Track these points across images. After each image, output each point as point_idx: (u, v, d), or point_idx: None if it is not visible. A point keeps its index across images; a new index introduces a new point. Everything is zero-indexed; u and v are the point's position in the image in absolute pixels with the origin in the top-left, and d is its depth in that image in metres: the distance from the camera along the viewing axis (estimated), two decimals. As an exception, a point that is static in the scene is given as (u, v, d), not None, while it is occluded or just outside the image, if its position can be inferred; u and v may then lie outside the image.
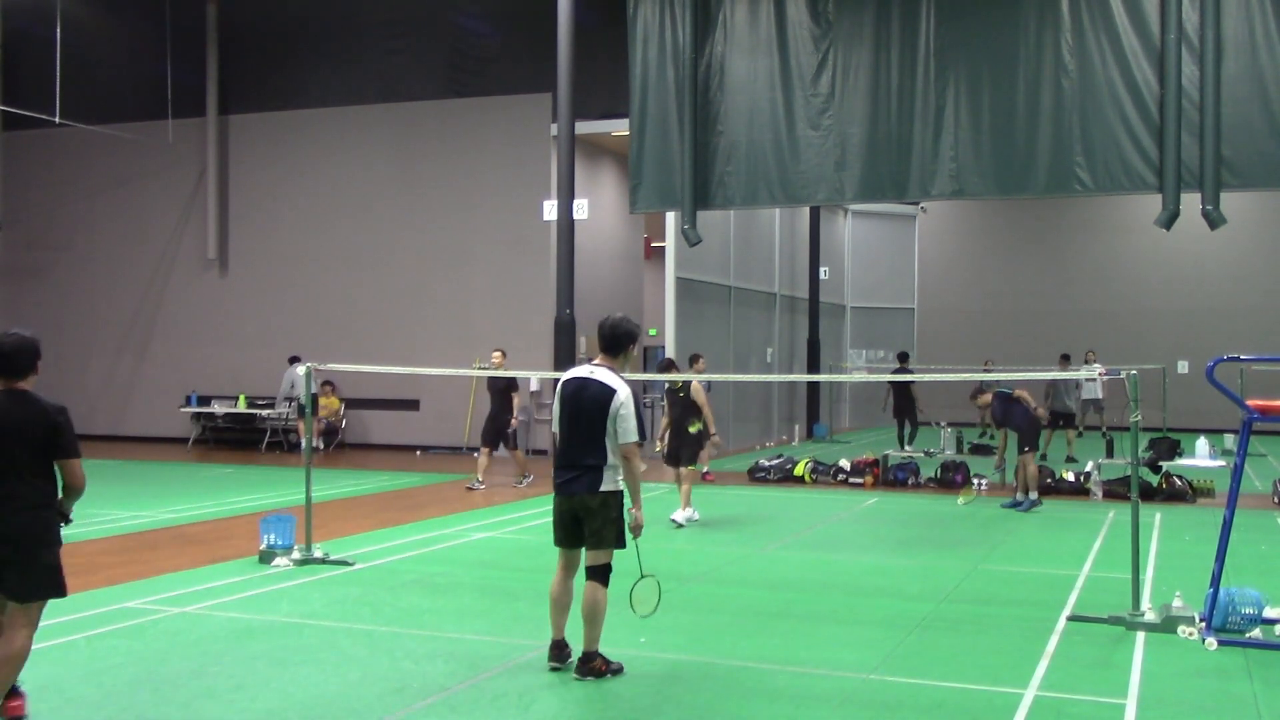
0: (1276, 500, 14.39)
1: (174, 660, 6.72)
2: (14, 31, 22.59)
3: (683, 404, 12.67)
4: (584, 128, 19.34)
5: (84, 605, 8.07)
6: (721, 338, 22.06)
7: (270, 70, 23.21)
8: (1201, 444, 15.79)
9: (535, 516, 12.53)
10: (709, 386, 13.28)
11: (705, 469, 15.27)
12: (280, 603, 8.31)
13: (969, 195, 16.65)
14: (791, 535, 12.00)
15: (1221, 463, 15.49)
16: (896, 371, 21.54)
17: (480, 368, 15.43)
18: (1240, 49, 14.63)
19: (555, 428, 6.62)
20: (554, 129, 18.47)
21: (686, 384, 12.68)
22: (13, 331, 5.38)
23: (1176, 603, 7.61)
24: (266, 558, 9.73)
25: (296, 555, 9.71)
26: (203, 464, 19.47)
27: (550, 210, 18.27)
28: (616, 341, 6.60)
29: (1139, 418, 7.99)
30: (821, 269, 26.69)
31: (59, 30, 20.52)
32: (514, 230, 21.14)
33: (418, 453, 21.13)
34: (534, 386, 20.78)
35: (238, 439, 22.50)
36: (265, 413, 21.85)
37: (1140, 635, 7.43)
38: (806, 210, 25.66)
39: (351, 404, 22.20)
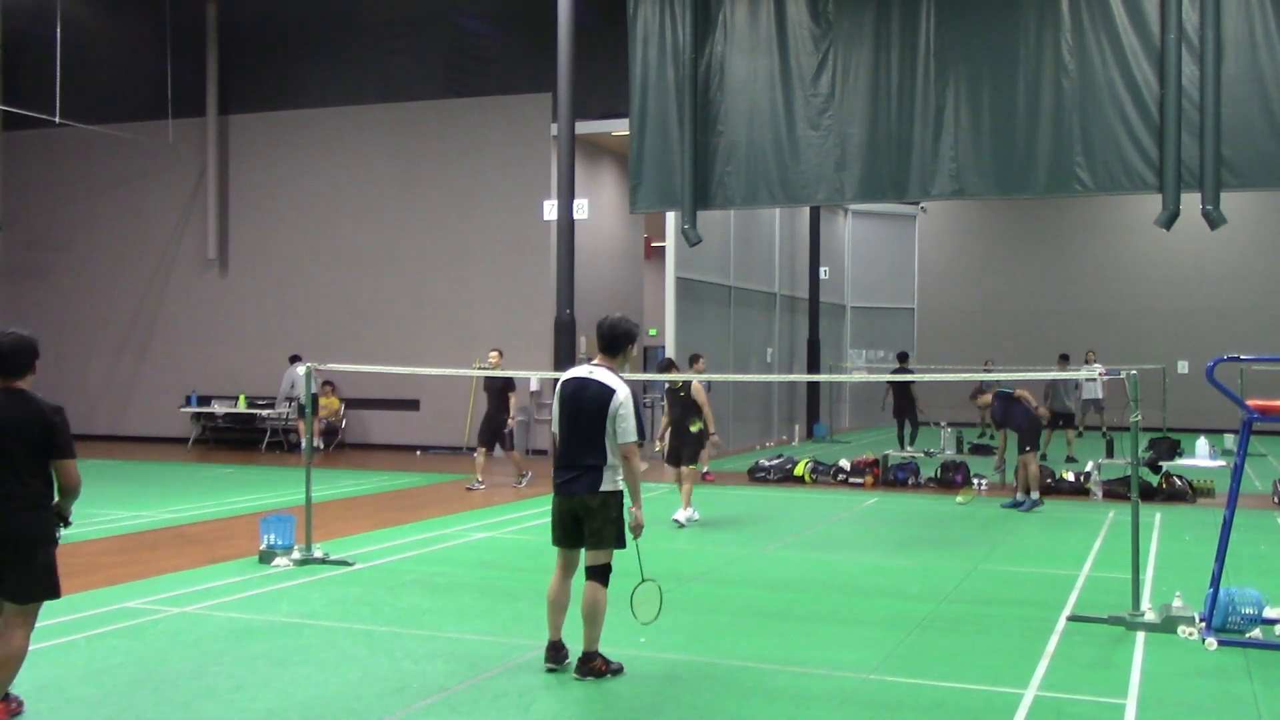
0: (1276, 500, 14.39)
1: (174, 660, 6.72)
2: (14, 31, 22.59)
3: (683, 403, 12.67)
4: (584, 128, 19.34)
5: (84, 605, 8.08)
6: (721, 338, 22.07)
7: (270, 70, 23.21)
8: (1201, 444, 15.79)
9: (535, 516, 12.53)
10: (709, 386, 13.28)
11: (705, 469, 15.27)
12: (280, 603, 8.31)
13: (969, 195, 16.66)
14: (791, 535, 12.00)
15: (1221, 463, 15.49)
16: (896, 371, 21.55)
17: (480, 368, 15.42)
18: (1240, 49, 14.63)
19: (555, 428, 6.61)
20: (554, 129, 18.47)
21: (687, 384, 12.69)
22: (10, 331, 5.36)
23: (1176, 603, 7.61)
24: (266, 558, 9.73)
25: (296, 555, 9.71)
26: (203, 464, 19.47)
27: (550, 210, 18.27)
28: (615, 341, 6.59)
29: (1139, 418, 7.99)
30: (821, 269, 26.70)
31: (59, 30, 20.52)
32: (514, 230, 21.14)
33: (418, 453, 21.13)
34: (534, 386, 20.78)
35: (238, 439, 22.50)
36: (265, 413, 21.85)
37: (1140, 635, 7.43)
38: (806, 210, 25.66)
39: (351, 404, 22.20)
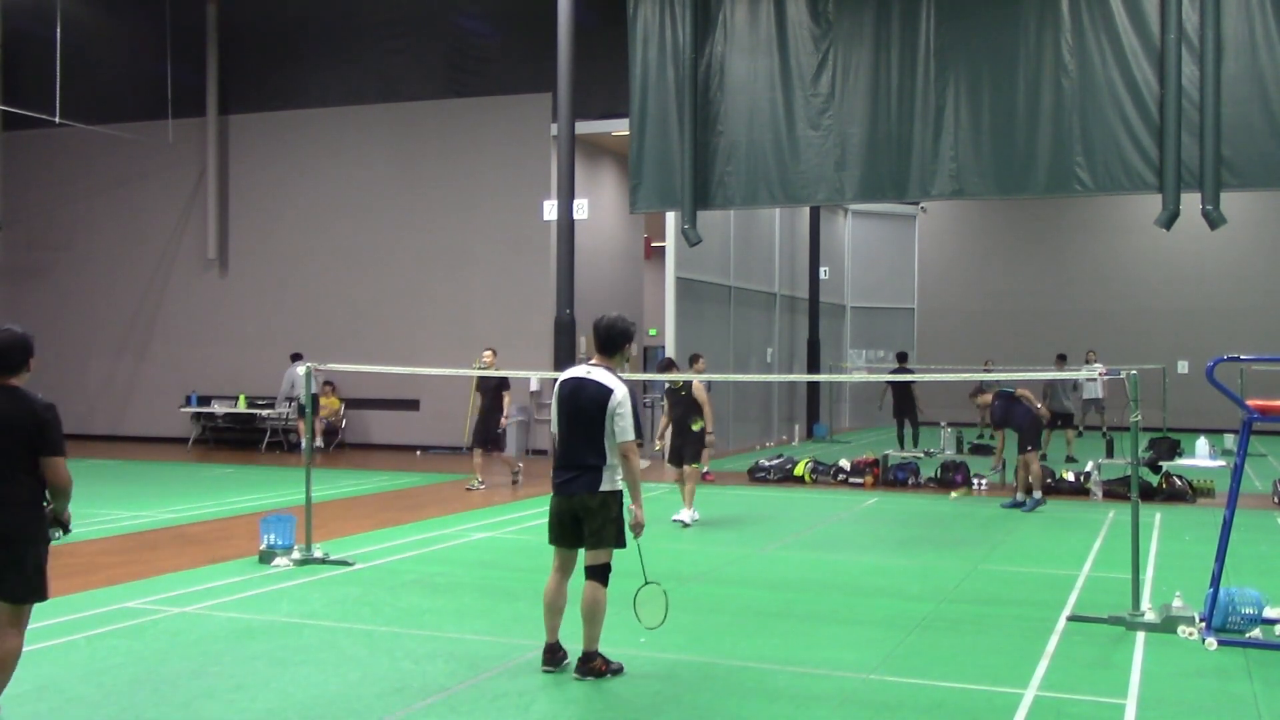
0: (1276, 500, 14.39)
1: (174, 660, 6.71)
2: (14, 31, 22.59)
3: (685, 403, 12.67)
4: (584, 128, 19.35)
5: (84, 605, 8.08)
6: (721, 338, 22.07)
7: (270, 70, 23.21)
8: (1201, 444, 15.79)
9: (534, 516, 12.52)
10: (709, 386, 13.29)
11: (706, 469, 15.27)
12: (280, 603, 8.31)
13: (969, 195, 16.66)
14: (791, 535, 12.00)
15: (1221, 463, 15.49)
16: (895, 371, 21.56)
17: (479, 367, 15.42)
18: (1240, 49, 14.63)
19: (554, 428, 6.61)
20: (554, 129, 18.48)
21: (688, 383, 12.69)
22: (6, 328, 5.32)
23: (1176, 603, 7.61)
24: (266, 558, 9.73)
25: (296, 555, 9.71)
26: (203, 464, 19.47)
27: (550, 210, 18.28)
28: (612, 341, 6.59)
29: (1139, 418, 7.99)
30: (821, 269, 26.70)
31: (59, 30, 20.53)
32: (514, 230, 21.14)
33: (418, 453, 21.14)
34: (534, 386, 20.79)
35: (238, 439, 22.51)
36: (265, 413, 21.85)
37: (1140, 635, 7.43)
38: (806, 210, 25.66)
39: (351, 404, 22.20)
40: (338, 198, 22.57)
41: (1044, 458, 16.63)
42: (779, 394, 24.89)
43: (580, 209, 17.88)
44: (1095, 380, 19.89)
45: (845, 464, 16.68)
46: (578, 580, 6.41)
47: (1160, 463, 15.44)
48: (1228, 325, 27.69)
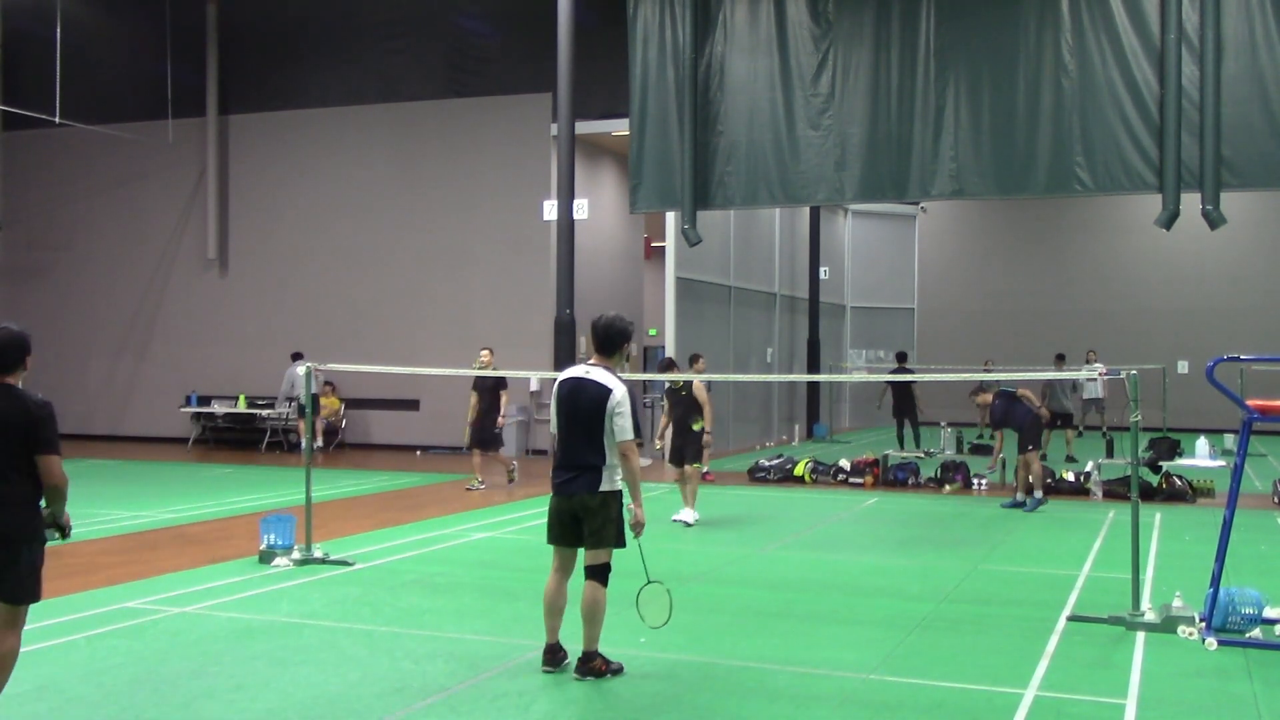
0: (1276, 500, 14.39)
1: (174, 660, 6.71)
2: (14, 31, 22.59)
3: (685, 403, 12.66)
4: (584, 128, 19.35)
5: (84, 605, 8.09)
6: (721, 338, 22.07)
7: (270, 70, 23.21)
8: (1201, 444, 15.79)
9: (534, 517, 12.51)
10: (709, 386, 13.30)
11: (705, 469, 15.28)
12: (280, 603, 8.31)
13: (969, 195, 16.67)
14: (791, 535, 12.00)
15: (1221, 463, 15.49)
16: (895, 371, 21.55)
17: (479, 367, 15.42)
18: (1240, 49, 14.64)
19: (553, 429, 6.61)
20: (554, 129, 18.48)
21: (688, 383, 12.69)
22: (2, 326, 5.30)
23: (1176, 603, 7.61)
24: (266, 558, 9.73)
25: (296, 555, 9.71)
26: (203, 464, 19.47)
27: (550, 210, 18.28)
28: (610, 340, 6.58)
29: (1139, 418, 7.99)
30: (821, 269, 26.70)
31: (59, 30, 20.53)
32: (514, 230, 21.14)
33: (418, 453, 21.14)
34: (534, 386, 20.79)
35: (238, 439, 22.51)
36: (265, 413, 21.85)
37: (1140, 635, 7.42)
38: (806, 210, 25.66)
39: (351, 404, 22.21)
40: (338, 198, 22.57)
41: (1044, 457, 16.64)
42: (779, 394, 24.89)
43: (580, 209, 17.88)
44: (1095, 380, 19.89)
45: (845, 464, 16.68)
46: (577, 580, 6.41)
47: (1160, 463, 15.44)
48: (1228, 325, 27.69)
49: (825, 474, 16.64)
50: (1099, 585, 9.12)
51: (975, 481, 15.90)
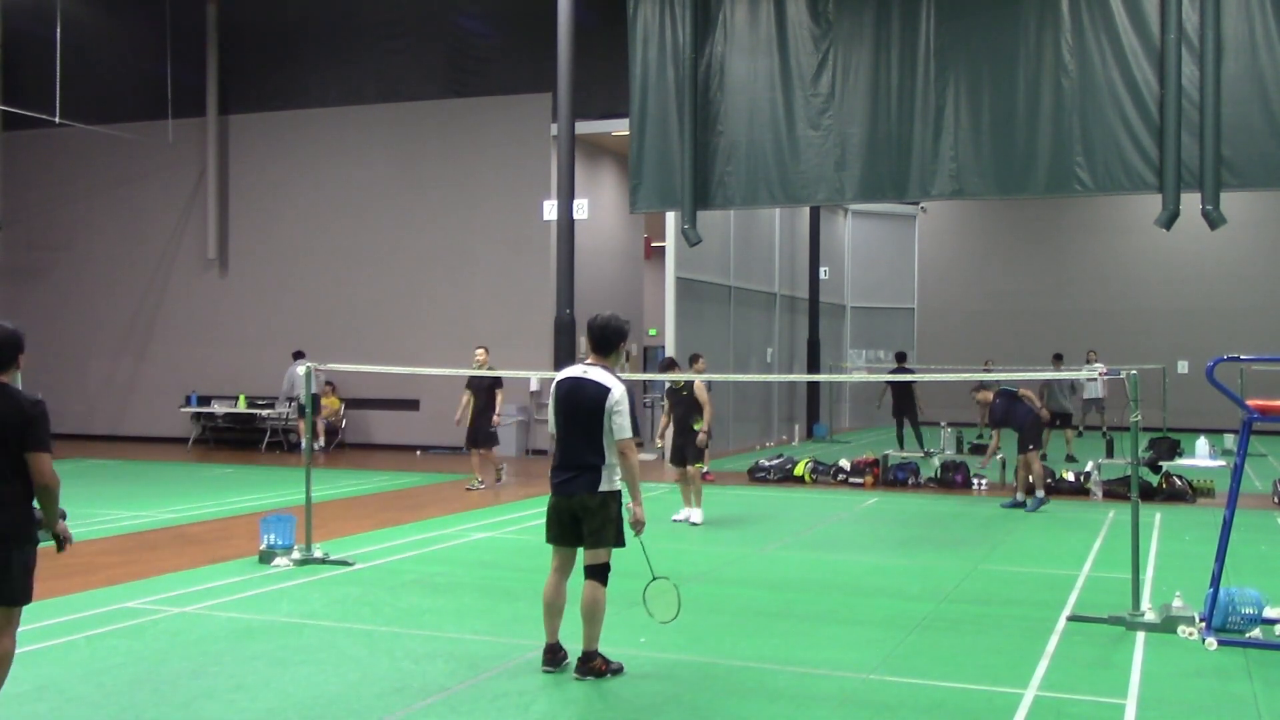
0: (1276, 500, 14.39)
1: (174, 660, 6.71)
2: (14, 31, 22.59)
3: (686, 403, 12.67)
4: (584, 128, 19.35)
5: (84, 605, 8.09)
6: (721, 338, 22.07)
7: (270, 70, 23.21)
8: (1201, 444, 15.79)
9: (534, 517, 12.51)
10: (709, 386, 13.30)
11: (705, 468, 15.28)
12: (280, 603, 8.31)
13: (969, 195, 16.67)
14: (791, 535, 12.00)
15: (1221, 463, 15.49)
16: (894, 371, 21.55)
17: (477, 367, 15.40)
18: (1240, 49, 14.64)
19: (551, 429, 6.60)
20: (554, 129, 18.49)
21: (689, 383, 12.69)
22: None
23: (1176, 603, 7.61)
24: (266, 558, 9.73)
25: (296, 555, 9.71)
26: (203, 464, 19.47)
27: (550, 210, 18.28)
28: (606, 340, 6.57)
29: (1139, 418, 7.99)
30: (821, 269, 26.70)
31: (59, 30, 20.54)
32: (514, 230, 21.14)
33: (418, 453, 21.14)
34: (533, 386, 20.79)
35: (238, 439, 22.50)
36: (265, 413, 21.85)
37: (1140, 635, 7.42)
38: (806, 210, 25.67)
39: (351, 404, 22.21)
40: (338, 198, 22.57)
41: (1044, 457, 16.65)
42: (779, 394, 24.89)
43: (580, 209, 17.88)
44: (1095, 380, 19.89)
45: (845, 464, 16.68)
46: (577, 580, 6.40)
47: (1160, 463, 15.44)
48: (1228, 325, 27.69)
49: (825, 474, 16.64)
50: (1099, 585, 9.12)
51: (975, 481, 15.90)
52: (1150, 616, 7.60)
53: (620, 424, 6.29)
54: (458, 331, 21.08)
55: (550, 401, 6.58)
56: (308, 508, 9.95)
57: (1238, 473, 7.49)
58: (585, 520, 6.34)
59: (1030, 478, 13.85)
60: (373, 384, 21.73)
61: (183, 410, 22.76)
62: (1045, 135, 15.49)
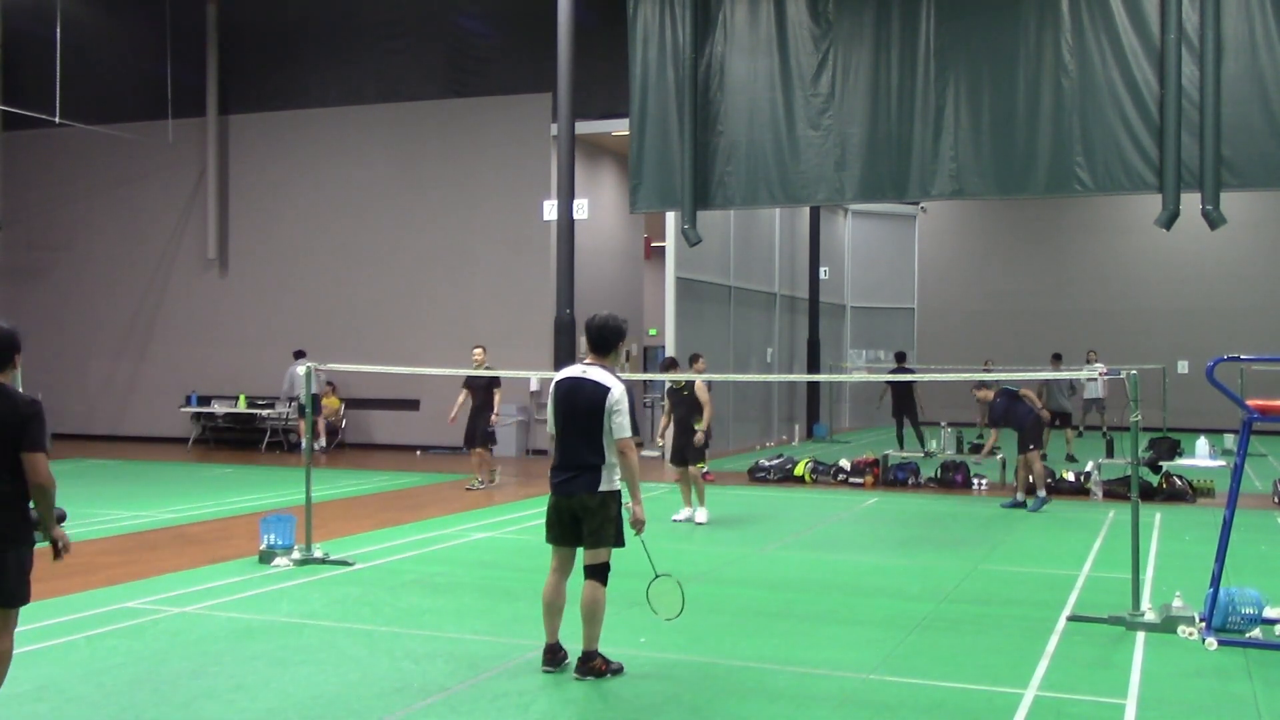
0: (1276, 500, 14.39)
1: (174, 660, 6.71)
2: (14, 31, 22.59)
3: (687, 403, 12.68)
4: (584, 128, 19.35)
5: (84, 605, 8.09)
6: (721, 338, 22.07)
7: (270, 70, 23.22)
8: (1201, 444, 15.79)
9: (534, 517, 12.51)
10: (710, 386, 13.31)
11: (705, 468, 15.29)
12: (280, 603, 8.31)
13: (969, 195, 16.67)
14: (791, 535, 12.00)
15: (1221, 463, 15.49)
16: (894, 371, 21.55)
17: (488, 368, 15.40)
18: (1240, 49, 14.64)
19: (550, 429, 6.60)
20: (554, 129, 18.49)
21: (690, 383, 12.70)
22: None
23: (1176, 603, 7.61)
24: (266, 558, 9.73)
25: (296, 555, 9.71)
26: (203, 464, 19.47)
27: (550, 210, 18.28)
28: (604, 340, 6.57)
29: (1139, 418, 7.99)
30: (821, 269, 26.70)
31: (59, 30, 20.54)
32: (514, 230, 21.14)
33: (418, 453, 21.14)
34: (533, 386, 20.79)
35: (238, 439, 22.51)
36: (265, 413, 21.86)
37: (1140, 635, 7.42)
38: (806, 210, 25.67)
39: (351, 404, 22.21)
40: (338, 198, 22.57)
41: (1044, 457, 16.66)
42: (779, 394, 24.89)
43: (580, 209, 17.88)
44: (1096, 380, 19.89)
45: (845, 464, 16.68)
46: (577, 580, 6.40)
47: (1160, 463, 15.44)
48: (1228, 325, 27.69)
49: (825, 474, 16.64)
50: (1099, 585, 9.12)
51: (975, 481, 15.90)
52: (1150, 616, 7.60)
53: (620, 423, 6.29)
54: (458, 331, 21.08)
55: (549, 401, 6.58)
56: (308, 508, 9.95)
57: (1238, 473, 7.49)
58: (585, 520, 6.34)
59: (1031, 478, 13.86)
60: (373, 384, 21.74)
61: (183, 410, 22.76)
62: (1045, 135, 15.49)
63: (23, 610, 5.22)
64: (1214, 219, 14.66)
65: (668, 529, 11.86)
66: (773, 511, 13.73)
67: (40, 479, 5.00)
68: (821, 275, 26.71)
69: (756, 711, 5.85)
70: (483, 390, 15.58)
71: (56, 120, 20.01)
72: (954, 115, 15.89)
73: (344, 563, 9.72)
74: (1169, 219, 14.91)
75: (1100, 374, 8.81)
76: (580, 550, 6.44)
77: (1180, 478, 14.94)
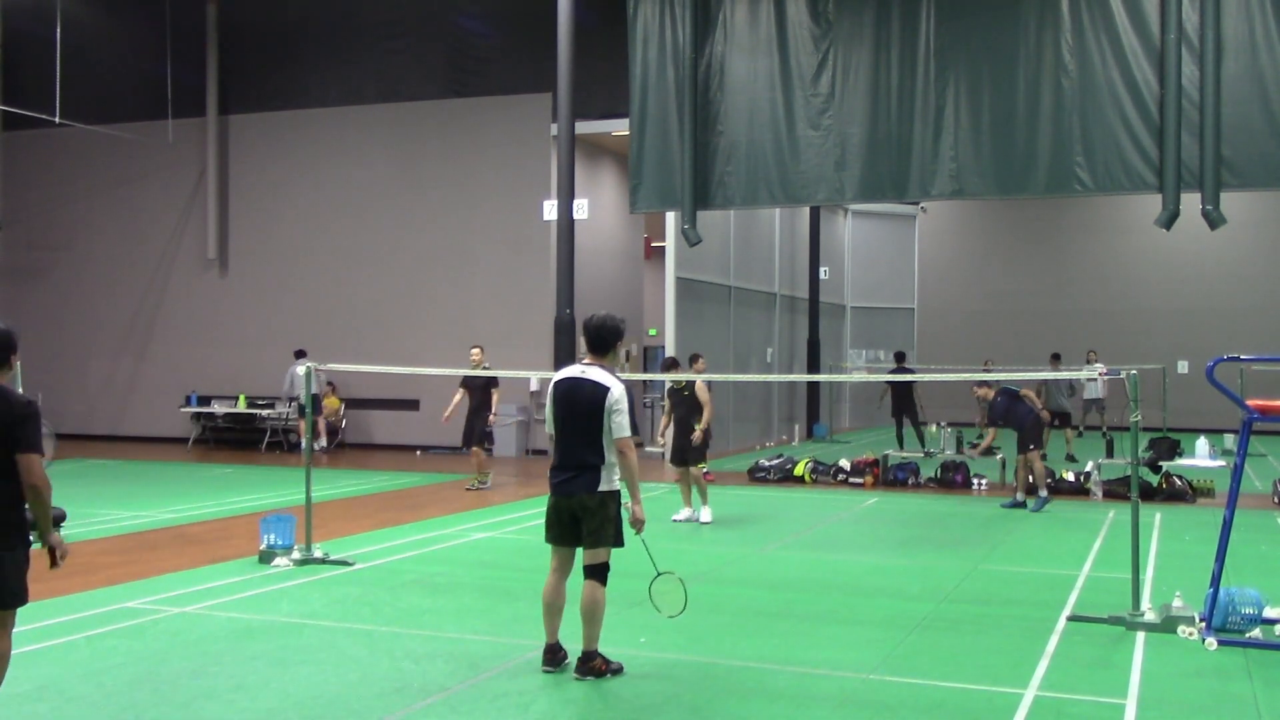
0: (1276, 500, 14.39)
1: (174, 660, 6.71)
2: (14, 31, 22.59)
3: (688, 403, 12.68)
4: (584, 128, 19.35)
5: (84, 605, 8.08)
6: (721, 338, 22.07)
7: (270, 70, 23.22)
8: (1201, 444, 15.79)
9: (534, 517, 12.51)
10: (710, 386, 13.32)
11: (705, 468, 15.28)
12: (280, 603, 8.31)
13: (969, 195, 16.67)
14: (791, 535, 12.00)
15: (1221, 463, 15.49)
16: (894, 371, 21.55)
17: (485, 368, 15.40)
18: (1240, 49, 14.64)
19: (549, 429, 6.60)
20: (554, 129, 18.49)
21: (690, 383, 12.70)
22: None
23: (1176, 603, 7.61)
24: (266, 558, 9.73)
25: (296, 555, 9.71)
26: (203, 464, 19.47)
27: (550, 210, 18.28)
28: (603, 340, 6.58)
29: (1139, 418, 7.99)
30: (821, 269, 26.70)
31: (59, 30, 20.54)
32: (514, 230, 21.15)
33: (418, 453, 21.14)
34: (533, 386, 20.79)
35: (238, 439, 22.51)
36: (265, 413, 21.86)
37: (1140, 635, 7.42)
38: (806, 210, 25.66)
39: (351, 404, 22.21)
40: (338, 198, 22.58)
41: (1043, 457, 16.66)
42: (779, 394, 24.89)
43: (580, 209, 17.88)
44: (1096, 380, 19.89)
45: (845, 464, 16.68)
46: (577, 580, 6.40)
47: (1160, 463, 15.44)
48: (1228, 325, 27.70)
49: (825, 474, 16.64)
50: (1099, 585, 9.12)
51: (975, 481, 15.90)
52: (1150, 616, 7.60)
53: (620, 423, 6.29)
54: (458, 331, 21.07)
55: (548, 402, 6.57)
56: (308, 508, 9.95)
57: (1238, 473, 7.49)
58: (584, 520, 6.34)
59: (1031, 477, 13.86)
60: (373, 384, 21.74)
61: (183, 410, 22.77)
62: (1045, 135, 15.49)
63: (23, 610, 5.21)
64: (1214, 219, 14.66)
65: (668, 529, 11.86)
66: (773, 511, 13.73)
67: (34, 480, 4.94)
68: (821, 275, 26.71)
69: (756, 711, 5.85)
70: (480, 390, 15.57)
71: (56, 120, 20.01)
72: (954, 115, 15.89)
73: (344, 563, 9.72)
74: (1169, 219, 14.91)
75: (1100, 374, 8.81)
76: (580, 550, 6.44)
77: (1180, 478, 14.94)
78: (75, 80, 21.47)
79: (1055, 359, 20.25)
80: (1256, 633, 7.29)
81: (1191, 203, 14.89)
